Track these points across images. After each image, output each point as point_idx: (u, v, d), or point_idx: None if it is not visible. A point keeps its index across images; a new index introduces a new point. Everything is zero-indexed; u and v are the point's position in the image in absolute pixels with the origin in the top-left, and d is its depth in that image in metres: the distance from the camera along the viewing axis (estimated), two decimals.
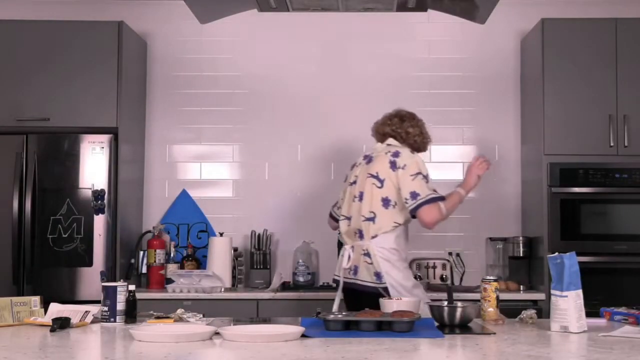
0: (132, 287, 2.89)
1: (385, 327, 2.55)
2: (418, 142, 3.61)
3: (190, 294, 4.29)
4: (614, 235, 4.43)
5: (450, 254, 4.85)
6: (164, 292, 4.36)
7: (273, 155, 4.97)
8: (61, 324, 2.67)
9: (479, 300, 2.96)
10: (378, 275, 3.36)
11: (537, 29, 4.57)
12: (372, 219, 3.40)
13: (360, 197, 3.45)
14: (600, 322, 2.87)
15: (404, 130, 3.58)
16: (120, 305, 2.84)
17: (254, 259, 4.71)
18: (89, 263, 4.37)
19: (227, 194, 4.98)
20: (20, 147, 4.42)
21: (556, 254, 2.72)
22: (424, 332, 2.54)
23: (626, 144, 4.41)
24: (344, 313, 2.72)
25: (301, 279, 4.59)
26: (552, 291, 2.68)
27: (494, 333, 2.59)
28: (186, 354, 2.19)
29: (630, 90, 4.45)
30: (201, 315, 2.86)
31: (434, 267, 4.76)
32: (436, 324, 2.73)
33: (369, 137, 3.76)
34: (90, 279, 4.36)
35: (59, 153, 4.44)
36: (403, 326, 2.53)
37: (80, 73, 4.49)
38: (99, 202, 4.39)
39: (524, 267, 4.72)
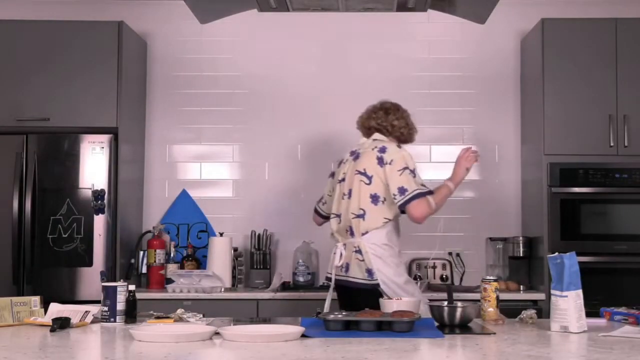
0: (132, 287, 2.89)
1: (385, 327, 2.55)
2: (404, 134, 3.59)
3: (190, 294, 4.29)
4: (614, 235, 4.43)
5: (450, 254, 4.85)
6: (164, 292, 4.36)
7: (273, 155, 4.97)
8: (61, 324, 2.67)
9: (479, 300, 2.96)
10: (369, 272, 3.35)
11: (537, 29, 4.57)
12: (361, 216, 3.39)
13: (349, 195, 3.44)
14: (600, 322, 2.87)
15: (389, 123, 3.56)
16: (120, 305, 2.84)
17: (254, 259, 4.71)
18: (89, 263, 4.37)
19: (227, 194, 4.98)
20: (20, 147, 4.42)
21: (556, 254, 2.72)
22: (424, 332, 2.54)
23: (626, 144, 4.41)
24: (344, 313, 2.72)
25: (301, 279, 4.59)
26: (552, 291, 2.68)
27: (494, 333, 2.59)
28: (186, 354, 2.19)
29: (630, 90, 4.45)
30: (201, 315, 2.87)
31: (434, 267, 4.76)
32: (436, 324, 2.73)
33: None
34: (90, 279, 4.36)
35: (59, 153, 4.45)
36: (403, 326, 2.53)
37: (80, 73, 4.49)
38: (99, 202, 4.39)
39: (524, 267, 4.72)
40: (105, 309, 2.83)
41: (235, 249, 4.69)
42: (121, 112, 4.49)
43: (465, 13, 3.77)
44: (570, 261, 2.65)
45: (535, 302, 4.32)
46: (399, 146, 3.46)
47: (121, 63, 4.50)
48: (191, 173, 5.00)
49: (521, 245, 4.67)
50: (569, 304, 2.62)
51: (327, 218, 3.77)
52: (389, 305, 2.89)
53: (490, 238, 4.83)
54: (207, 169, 5.00)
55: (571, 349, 2.38)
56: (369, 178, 3.40)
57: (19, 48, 4.51)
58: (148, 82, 5.01)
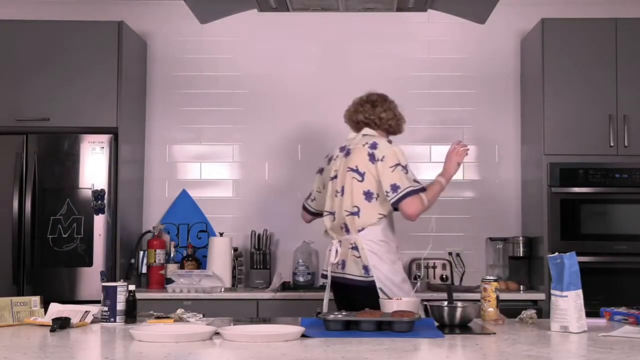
0: (132, 287, 2.89)
1: (385, 327, 2.55)
2: (393, 125, 3.57)
3: (190, 294, 4.29)
4: (614, 235, 4.43)
5: (450, 254, 4.85)
6: (164, 292, 4.36)
7: (273, 155, 4.97)
8: (61, 324, 2.67)
9: (479, 300, 2.96)
10: (366, 268, 3.34)
11: (537, 29, 4.57)
12: (356, 213, 3.37)
13: (342, 192, 3.42)
14: (600, 322, 2.87)
15: (377, 116, 3.54)
16: (120, 305, 2.84)
17: (254, 259, 4.71)
18: (89, 263, 4.37)
19: (227, 194, 4.98)
20: (20, 147, 4.42)
21: (556, 254, 2.72)
22: (424, 332, 2.54)
23: (626, 144, 4.41)
24: (344, 313, 2.72)
25: (301, 279, 4.59)
26: (552, 291, 2.68)
27: (494, 333, 2.59)
28: (186, 354, 2.19)
29: (630, 90, 4.45)
30: (201, 315, 2.86)
31: (434, 267, 4.76)
32: (436, 324, 2.73)
33: None
34: (90, 279, 4.36)
35: (59, 153, 4.45)
36: (403, 326, 2.53)
37: (80, 73, 4.49)
38: (99, 202, 4.39)
39: (524, 267, 4.72)
40: (105, 309, 2.83)
41: (235, 249, 4.69)
42: (121, 112, 4.49)
43: (465, 13, 3.77)
44: (570, 261, 2.65)
45: (535, 302, 4.32)
46: (389, 141, 3.43)
47: (121, 63, 4.50)
48: (191, 173, 5.00)
49: (521, 245, 4.67)
50: (569, 304, 2.62)
51: (316, 215, 3.75)
52: (389, 305, 2.89)
53: (490, 238, 4.83)
54: (207, 169, 5.00)
55: (571, 349, 2.38)
56: (362, 175, 3.38)
57: (19, 48, 4.51)
58: (148, 82, 5.01)
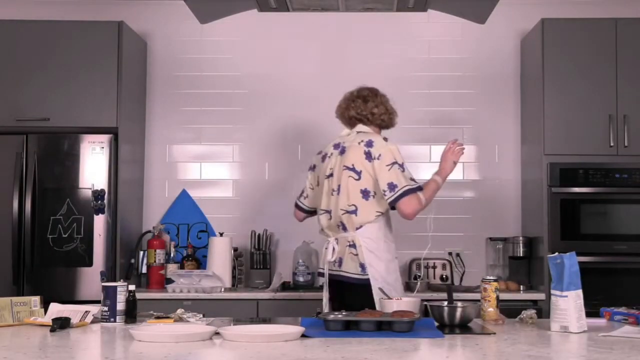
0: (132, 287, 2.89)
1: (385, 327, 2.55)
2: (385, 120, 3.55)
3: (190, 294, 4.29)
4: (614, 235, 4.43)
5: (450, 254, 4.85)
6: (164, 292, 4.36)
7: (273, 155, 4.97)
8: (61, 324, 2.67)
9: (479, 300, 2.96)
10: (362, 266, 3.33)
11: (537, 29, 4.57)
12: (353, 212, 3.35)
13: (338, 190, 3.40)
14: (600, 322, 2.87)
15: (369, 111, 3.51)
16: (120, 305, 2.84)
17: (254, 259, 4.71)
18: (89, 263, 4.37)
19: (227, 194, 4.98)
20: (20, 147, 4.42)
21: (556, 254, 2.72)
22: (424, 332, 2.54)
23: (626, 144, 4.42)
24: (344, 313, 2.72)
25: (301, 279, 4.58)
26: (552, 291, 2.68)
27: (494, 333, 2.59)
28: (186, 354, 2.19)
29: (630, 90, 4.45)
30: (201, 315, 2.86)
31: (434, 267, 4.76)
32: (436, 324, 2.73)
33: None
34: (90, 279, 4.36)
35: (59, 153, 4.45)
36: (403, 326, 2.53)
37: (80, 73, 4.49)
38: (99, 202, 4.39)
39: (524, 267, 4.72)
40: (105, 309, 2.83)
41: (235, 249, 4.69)
42: (121, 112, 4.49)
43: (465, 13, 3.77)
44: (570, 261, 2.65)
45: (535, 302, 4.33)
46: (385, 139, 3.41)
47: (121, 63, 4.50)
48: (191, 173, 5.00)
49: (521, 245, 4.67)
50: (569, 304, 2.62)
51: (310, 213, 3.72)
52: (389, 305, 2.89)
53: (490, 238, 4.83)
54: (207, 169, 5.00)
55: (571, 349, 2.38)
56: (358, 173, 3.36)
57: (19, 48, 4.51)
58: (148, 82, 5.01)
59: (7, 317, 2.83)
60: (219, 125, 4.99)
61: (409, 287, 4.56)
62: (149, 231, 4.74)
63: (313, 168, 3.69)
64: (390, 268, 3.40)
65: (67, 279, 4.38)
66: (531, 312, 2.87)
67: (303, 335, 2.44)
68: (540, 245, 4.49)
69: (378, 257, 3.35)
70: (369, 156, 3.35)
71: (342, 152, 3.45)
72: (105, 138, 4.46)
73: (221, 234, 4.66)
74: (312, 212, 3.70)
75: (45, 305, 2.92)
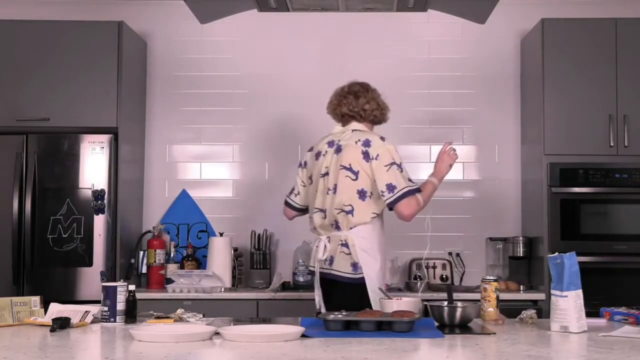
0: (132, 287, 2.89)
1: (385, 327, 2.55)
2: (378, 116, 3.53)
3: (190, 294, 4.29)
4: (614, 235, 4.43)
5: (450, 254, 4.85)
6: (164, 292, 4.36)
7: (273, 155, 4.97)
8: (61, 324, 2.67)
9: (479, 300, 2.96)
10: (355, 266, 3.31)
11: (537, 29, 4.57)
12: (350, 212, 3.33)
13: (335, 190, 3.37)
14: (600, 322, 2.87)
15: (361, 108, 3.49)
16: (120, 305, 2.84)
17: (254, 259, 4.71)
18: (89, 263, 4.37)
19: (227, 194, 4.98)
20: (20, 147, 4.42)
21: (556, 254, 2.72)
22: (424, 332, 2.54)
23: (626, 144, 4.42)
24: (344, 313, 2.72)
25: (301, 279, 4.58)
26: (552, 291, 2.68)
27: (494, 333, 2.59)
28: (186, 354, 2.19)
29: (630, 90, 4.45)
30: (201, 315, 2.86)
31: (434, 267, 4.76)
32: (436, 324, 2.73)
33: None
34: (90, 279, 4.36)
35: (59, 153, 4.45)
36: (403, 326, 2.53)
37: (80, 73, 4.49)
38: (99, 202, 4.39)
39: (524, 267, 4.72)
40: (105, 309, 2.83)
41: (235, 249, 4.69)
42: (121, 112, 4.49)
43: (465, 13, 3.77)
44: (570, 261, 2.65)
45: (535, 302, 4.33)
46: (382, 138, 3.39)
47: (121, 63, 4.50)
48: (191, 173, 5.00)
49: (521, 245, 4.67)
50: (569, 304, 2.62)
51: (300, 211, 3.67)
52: (389, 305, 2.89)
53: (490, 238, 4.83)
54: (207, 169, 5.00)
55: (571, 349, 2.38)
56: (355, 174, 3.34)
57: (19, 48, 4.51)
58: (148, 82, 5.01)
59: (7, 317, 2.83)
60: (219, 125, 4.99)
61: (409, 287, 4.57)
62: (149, 231, 4.74)
63: (304, 165, 3.64)
64: (383, 269, 3.40)
65: (67, 279, 4.38)
66: (531, 312, 2.87)
67: (303, 335, 2.44)
68: (540, 245, 4.49)
69: (373, 257, 3.34)
70: (366, 156, 3.34)
71: (338, 150, 3.42)
72: (105, 138, 4.46)
73: (221, 234, 4.66)
74: (303, 210, 3.66)
75: (45, 305, 2.92)
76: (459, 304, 2.82)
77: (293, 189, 3.68)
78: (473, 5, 3.62)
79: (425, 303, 2.91)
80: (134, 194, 4.79)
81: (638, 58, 4.46)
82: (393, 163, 3.32)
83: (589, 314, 2.72)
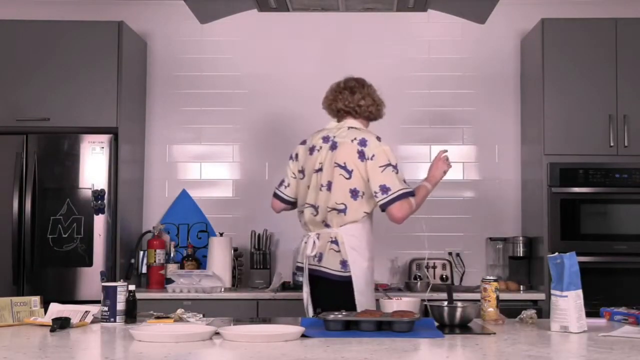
0: (132, 287, 2.89)
1: (385, 327, 2.55)
2: (373, 112, 3.51)
3: (190, 294, 4.29)
4: (614, 235, 4.43)
5: (450, 254, 4.85)
6: (164, 292, 4.36)
7: (273, 155, 4.97)
8: (61, 324, 2.67)
9: (479, 300, 2.96)
10: (344, 263, 3.31)
11: (537, 29, 4.57)
12: (343, 211, 3.32)
13: (329, 187, 3.35)
14: (600, 322, 2.87)
15: (356, 104, 3.47)
16: (120, 305, 2.84)
17: (254, 259, 4.71)
18: (89, 263, 4.37)
19: (227, 194, 4.98)
20: (20, 147, 4.42)
21: (556, 254, 2.72)
22: (424, 332, 2.54)
23: (626, 144, 4.42)
24: (344, 313, 2.72)
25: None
26: (552, 291, 2.68)
27: (494, 333, 2.59)
28: (186, 354, 2.19)
29: (630, 90, 4.45)
30: (201, 315, 2.86)
31: (434, 267, 4.76)
32: (436, 324, 2.73)
33: None
34: (90, 279, 4.36)
35: (59, 153, 4.45)
36: (403, 326, 2.53)
37: (80, 73, 4.49)
38: (99, 202, 4.39)
39: (524, 267, 4.72)
40: (105, 309, 2.83)
41: (235, 249, 4.69)
42: (121, 112, 4.49)
43: (465, 13, 3.77)
44: (570, 261, 2.65)
45: (535, 302, 4.32)
46: (378, 138, 3.36)
47: (121, 63, 4.50)
48: (191, 173, 5.00)
49: (521, 245, 4.67)
50: (569, 304, 2.62)
51: (289, 204, 3.63)
52: (389, 305, 2.89)
53: (490, 238, 4.83)
54: (207, 169, 5.00)
55: (571, 349, 2.38)
56: (349, 172, 3.32)
57: (19, 48, 4.51)
58: (148, 82, 5.01)
59: (7, 317, 2.83)
60: (219, 125, 5.00)
61: (409, 287, 4.57)
62: (149, 231, 4.74)
63: (295, 157, 3.59)
64: (370, 268, 3.39)
65: (67, 279, 4.38)
66: (531, 312, 2.87)
67: (303, 335, 2.44)
68: (540, 245, 4.49)
69: (362, 255, 3.34)
70: (362, 155, 3.32)
71: (334, 147, 3.39)
72: (105, 138, 4.46)
73: (221, 234, 4.66)
74: (291, 204, 3.62)
75: (45, 305, 2.92)
76: (459, 304, 2.82)
77: (283, 181, 3.64)
78: (473, 5, 3.63)
79: (425, 303, 2.91)
80: (134, 194, 4.79)
81: (638, 58, 4.46)
82: (389, 164, 3.30)
83: (589, 314, 2.72)
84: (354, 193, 3.33)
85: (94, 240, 4.39)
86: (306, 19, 4.91)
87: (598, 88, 4.46)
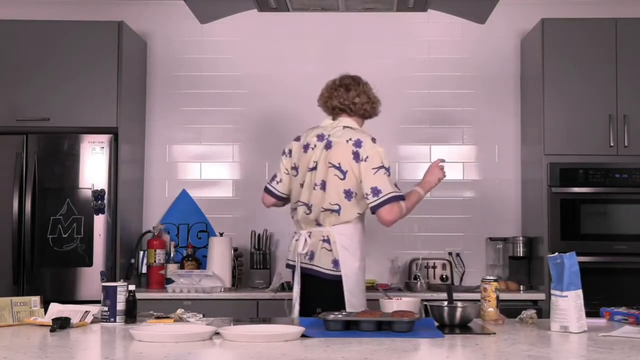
0: (132, 287, 2.89)
1: (385, 327, 2.55)
2: (368, 110, 3.49)
3: (190, 294, 4.29)
4: (614, 235, 4.43)
5: (450, 254, 4.85)
6: (164, 292, 4.36)
7: (273, 155, 4.95)
8: (61, 324, 2.67)
9: (479, 300, 2.96)
10: (335, 262, 3.31)
11: (537, 29, 4.57)
12: (337, 211, 3.32)
13: (323, 186, 3.35)
14: (600, 322, 2.87)
15: (351, 101, 3.45)
16: (120, 305, 2.84)
17: (254, 259, 4.71)
18: (89, 263, 4.37)
19: (227, 194, 4.98)
20: (20, 147, 4.42)
21: (556, 254, 2.72)
22: (424, 332, 2.54)
23: (626, 144, 4.42)
24: (344, 313, 2.72)
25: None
26: (552, 291, 2.68)
27: (494, 333, 2.59)
28: (186, 354, 2.19)
29: (630, 90, 4.45)
30: (201, 315, 2.86)
31: (434, 267, 4.76)
32: (436, 324, 2.73)
33: None
34: (90, 279, 4.36)
35: (59, 153, 4.45)
36: (403, 326, 2.53)
37: (80, 73, 4.49)
38: (99, 202, 4.39)
39: (524, 267, 4.72)
40: (105, 309, 2.83)
41: (235, 249, 4.69)
42: (121, 112, 4.49)
43: (465, 13, 3.77)
44: (570, 261, 2.65)
45: (535, 302, 4.33)
46: (373, 140, 3.35)
47: (121, 63, 4.50)
48: (191, 173, 5.00)
49: (521, 245, 4.67)
50: (569, 304, 2.62)
51: (280, 200, 3.62)
52: (389, 305, 2.89)
53: (490, 238, 4.83)
54: (207, 169, 5.00)
55: (571, 349, 2.38)
56: (344, 173, 3.32)
57: (19, 48, 4.51)
58: (148, 82, 5.01)
59: (7, 317, 2.83)
60: (219, 125, 5.00)
61: (409, 287, 4.57)
62: (149, 231, 4.74)
63: (289, 153, 3.57)
64: (362, 268, 3.39)
65: (67, 279, 4.38)
66: (531, 312, 2.87)
67: (303, 335, 2.44)
68: (540, 245, 4.49)
69: (353, 254, 3.34)
70: (356, 156, 3.31)
71: (328, 146, 3.38)
72: (105, 138, 4.46)
73: (221, 234, 4.66)
74: (283, 200, 3.61)
75: (45, 305, 2.92)
76: (459, 304, 2.82)
77: (275, 176, 3.62)
78: (473, 5, 3.63)
79: (425, 303, 2.91)
80: (134, 194, 4.79)
81: (638, 58, 4.46)
82: (381, 167, 3.30)
83: (589, 314, 2.72)
84: (348, 194, 3.33)
85: (94, 240, 4.39)
86: (306, 19, 4.91)
87: (598, 88, 4.46)
